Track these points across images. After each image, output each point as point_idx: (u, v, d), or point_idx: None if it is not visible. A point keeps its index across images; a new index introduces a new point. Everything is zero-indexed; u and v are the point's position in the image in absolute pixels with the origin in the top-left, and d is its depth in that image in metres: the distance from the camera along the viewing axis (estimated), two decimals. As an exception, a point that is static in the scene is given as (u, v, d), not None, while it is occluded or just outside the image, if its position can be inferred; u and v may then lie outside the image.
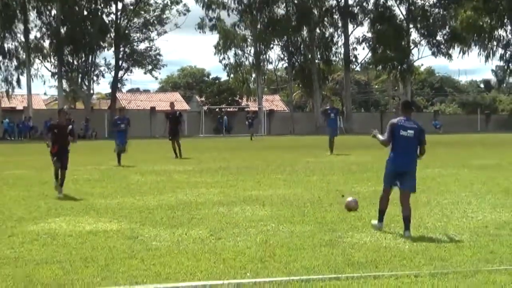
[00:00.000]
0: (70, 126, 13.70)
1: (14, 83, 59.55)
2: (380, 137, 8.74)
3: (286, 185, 15.08)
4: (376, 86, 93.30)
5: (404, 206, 8.41)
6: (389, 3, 71.68)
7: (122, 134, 20.15)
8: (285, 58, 71.02)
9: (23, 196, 13.48)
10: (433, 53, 74.92)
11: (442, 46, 72.80)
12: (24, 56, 59.62)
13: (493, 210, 10.60)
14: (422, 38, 73.13)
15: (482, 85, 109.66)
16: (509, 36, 75.42)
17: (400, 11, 72.12)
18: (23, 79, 60.37)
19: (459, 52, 75.20)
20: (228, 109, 68.76)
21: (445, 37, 72.81)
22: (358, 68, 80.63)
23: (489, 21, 74.22)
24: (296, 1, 69.12)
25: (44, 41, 62.37)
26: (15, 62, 59.52)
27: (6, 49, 59.14)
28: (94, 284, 6.15)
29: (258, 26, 66.80)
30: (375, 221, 8.70)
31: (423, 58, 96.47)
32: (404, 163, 8.35)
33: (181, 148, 24.86)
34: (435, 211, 10.61)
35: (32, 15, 61.06)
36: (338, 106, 76.00)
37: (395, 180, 8.38)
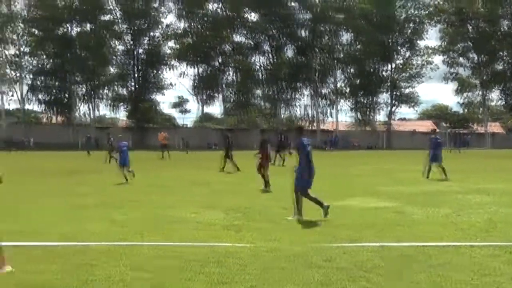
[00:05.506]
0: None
1: (328, 115, 73.25)
2: None
3: (506, 181, 15.63)
4: None
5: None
6: None
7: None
8: (503, 98, 74.33)
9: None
10: None
11: None
12: (333, 98, 72.53)
13: None
14: None
15: None
16: None
17: None
18: (333, 112, 72.88)
19: None
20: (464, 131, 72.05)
21: None
22: None
23: None
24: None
25: (346, 87, 74.15)
26: (328, 102, 73.24)
27: (322, 93, 72.95)
28: (371, 240, 6.95)
29: (484, 77, 71.26)
30: None
31: None
32: None
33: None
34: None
35: (338, 73, 72.53)
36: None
37: None
